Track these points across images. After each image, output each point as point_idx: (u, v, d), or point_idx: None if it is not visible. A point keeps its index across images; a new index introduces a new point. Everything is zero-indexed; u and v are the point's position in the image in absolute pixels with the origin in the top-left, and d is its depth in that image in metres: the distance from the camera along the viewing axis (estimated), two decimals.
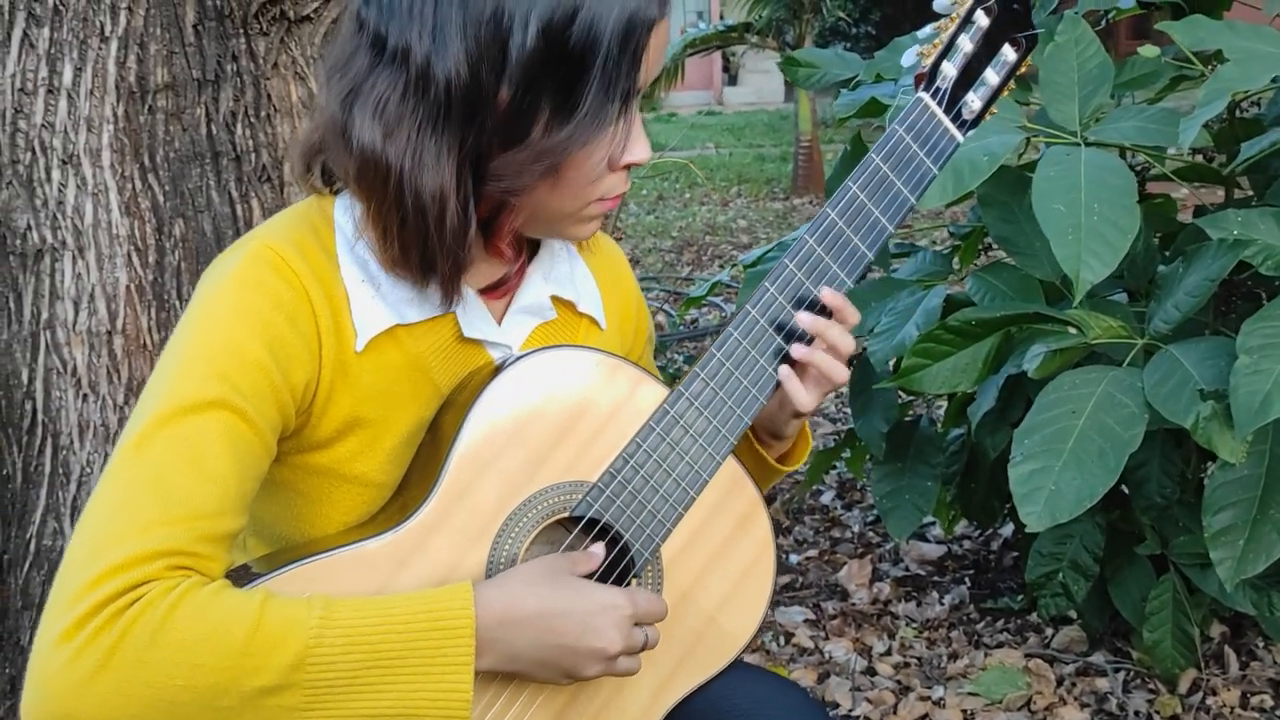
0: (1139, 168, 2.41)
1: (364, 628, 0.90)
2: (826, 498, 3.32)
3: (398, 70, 0.95)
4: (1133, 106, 1.91)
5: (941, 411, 3.03)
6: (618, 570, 1.06)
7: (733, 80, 23.46)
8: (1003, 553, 2.92)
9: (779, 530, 3.13)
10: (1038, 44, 1.11)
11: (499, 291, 1.11)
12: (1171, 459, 2.05)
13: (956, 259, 2.49)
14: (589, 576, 1.03)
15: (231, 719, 0.87)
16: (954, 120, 1.09)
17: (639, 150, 1.03)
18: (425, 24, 0.93)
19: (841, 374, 1.10)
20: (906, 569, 2.87)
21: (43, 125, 1.82)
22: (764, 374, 1.08)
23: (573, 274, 1.19)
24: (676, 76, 10.14)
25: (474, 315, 1.09)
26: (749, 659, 2.47)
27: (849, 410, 2.76)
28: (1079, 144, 1.76)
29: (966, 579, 2.79)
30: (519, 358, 1.04)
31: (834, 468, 3.49)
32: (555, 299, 1.16)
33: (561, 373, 1.05)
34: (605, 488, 1.04)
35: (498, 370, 1.04)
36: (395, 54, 0.94)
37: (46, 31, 1.80)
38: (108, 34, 1.83)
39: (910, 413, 2.63)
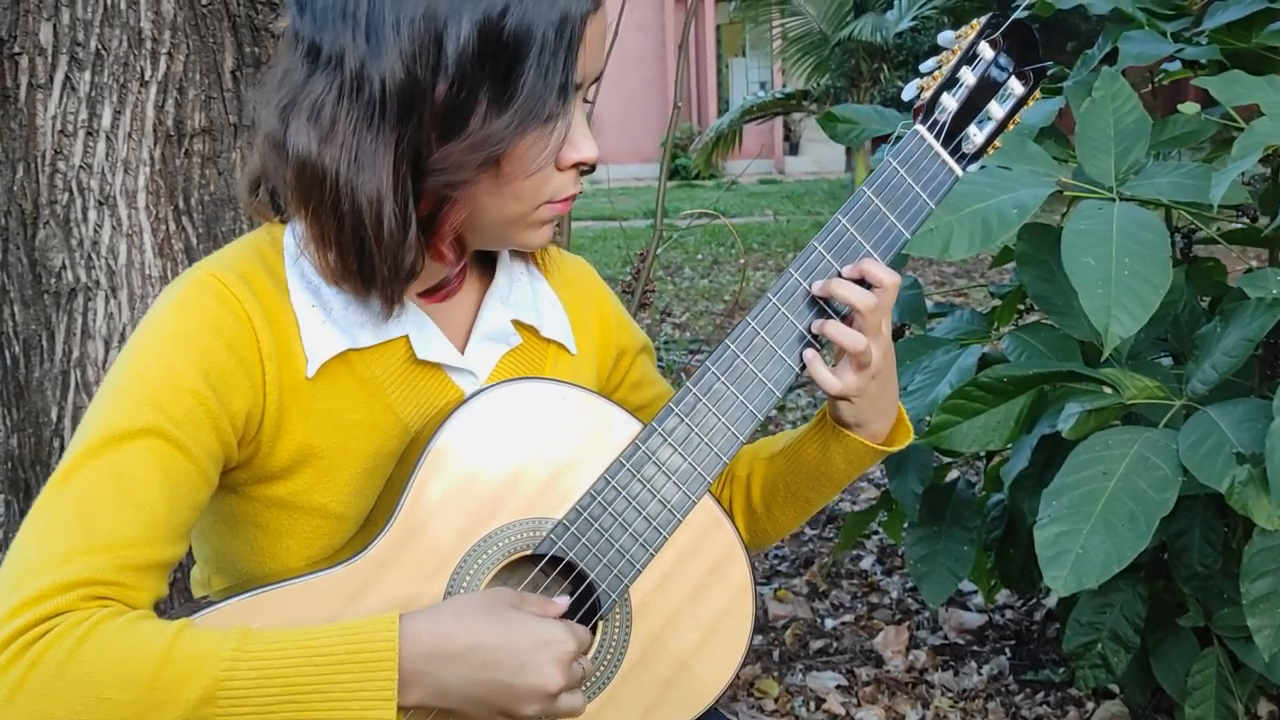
0: (1185, 229, 2.36)
1: (279, 660, 0.87)
2: (866, 563, 3.26)
3: (332, 75, 0.94)
4: (1169, 162, 1.87)
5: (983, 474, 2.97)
6: (583, 611, 1.03)
7: (794, 150, 23.58)
8: (1045, 623, 2.83)
9: (815, 594, 3.07)
10: (1045, 77, 1.08)
11: (438, 295, 1.07)
12: (1214, 526, 1.98)
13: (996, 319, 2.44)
14: None
15: None
16: (954, 154, 1.06)
17: (585, 148, 1.01)
18: (359, 27, 0.92)
19: (854, 341, 1.05)
20: (945, 637, 2.79)
21: (81, 167, 1.85)
22: (742, 411, 1.04)
23: (534, 297, 1.17)
24: (734, 143, 10.23)
25: (428, 337, 1.07)
26: None
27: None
28: (1113, 199, 1.72)
29: (1007, 649, 2.71)
30: (483, 390, 1.02)
31: (875, 532, 3.43)
32: (517, 324, 1.14)
33: (527, 405, 1.02)
34: (571, 525, 1.01)
35: (463, 402, 1.02)
36: (330, 60, 0.94)
37: (88, 75, 1.84)
38: (147, 79, 1.86)
39: (949, 475, 2.57)
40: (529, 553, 1.02)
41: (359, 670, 0.88)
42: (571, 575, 1.03)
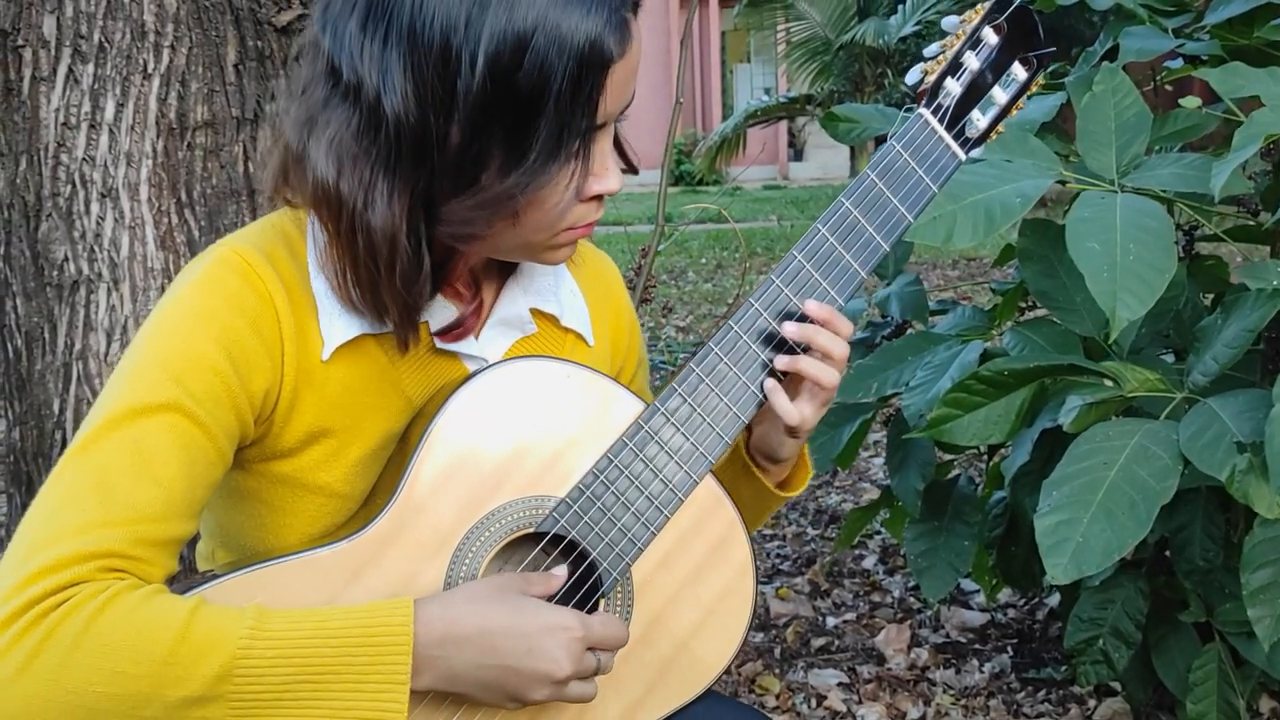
0: (1187, 226, 2.36)
1: (296, 639, 0.87)
2: (868, 562, 3.26)
3: (351, 105, 0.92)
4: (1170, 154, 1.87)
5: (984, 473, 2.96)
6: (584, 589, 1.03)
7: (798, 156, 23.61)
8: (1048, 622, 2.83)
9: (817, 592, 3.07)
10: (1050, 62, 1.08)
11: (455, 334, 1.07)
12: (1215, 520, 1.98)
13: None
14: (550, 598, 0.99)
15: None
16: (957, 138, 1.06)
17: (608, 181, 0.99)
18: (374, 60, 0.91)
19: (830, 377, 1.06)
20: (947, 636, 2.79)
21: (84, 159, 1.86)
22: (745, 391, 1.04)
23: (556, 287, 1.16)
24: (738, 148, 10.24)
25: (448, 326, 1.07)
26: (779, 718, 2.41)
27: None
28: (1115, 191, 1.72)
29: (1009, 648, 2.71)
30: (487, 367, 1.02)
31: (878, 532, 3.43)
32: (536, 313, 1.14)
33: (531, 384, 1.02)
34: (573, 503, 1.01)
35: (466, 380, 1.02)
36: (348, 88, 0.92)
37: (91, 68, 1.84)
38: (150, 71, 1.87)
39: (950, 472, 2.57)
40: (531, 531, 1.02)
41: (373, 653, 0.88)
42: (573, 554, 1.03)
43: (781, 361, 1.05)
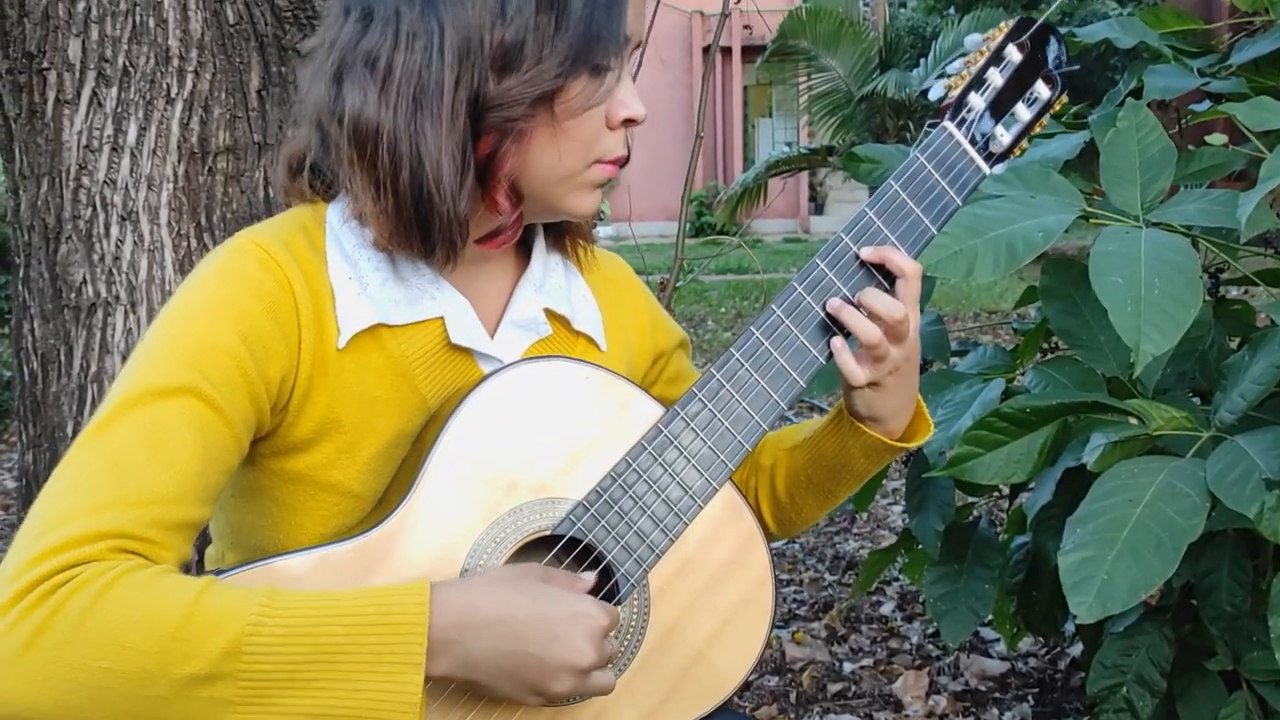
0: (1213, 269, 2.33)
1: (308, 618, 0.85)
2: (886, 608, 3.21)
3: (387, 27, 0.95)
4: (1196, 190, 1.85)
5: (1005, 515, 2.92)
6: (600, 595, 1.00)
7: (819, 209, 23.65)
8: (1070, 671, 2.78)
9: (834, 638, 3.02)
10: (1071, 81, 1.07)
11: (495, 240, 1.06)
12: (1242, 566, 1.93)
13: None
14: None
15: (161, 711, 0.82)
16: (981, 152, 1.05)
17: (634, 106, 1.02)
18: None
19: (868, 332, 1.05)
20: (966, 684, 2.73)
21: (105, 182, 1.86)
22: (766, 400, 1.03)
23: (568, 289, 1.16)
24: (759, 198, 10.27)
25: (463, 321, 1.06)
26: None
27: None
28: (1140, 227, 1.70)
29: (1030, 697, 2.65)
30: (504, 367, 1.01)
31: (895, 578, 3.38)
32: (549, 314, 1.13)
33: (548, 384, 1.01)
34: (590, 506, 0.99)
35: (483, 380, 1.00)
36: (385, 16, 0.96)
37: (115, 91, 1.85)
38: (173, 96, 1.88)
39: (971, 515, 2.53)
40: (547, 533, 1.00)
41: (388, 633, 0.86)
42: (589, 559, 1.01)
43: (833, 305, 1.06)
